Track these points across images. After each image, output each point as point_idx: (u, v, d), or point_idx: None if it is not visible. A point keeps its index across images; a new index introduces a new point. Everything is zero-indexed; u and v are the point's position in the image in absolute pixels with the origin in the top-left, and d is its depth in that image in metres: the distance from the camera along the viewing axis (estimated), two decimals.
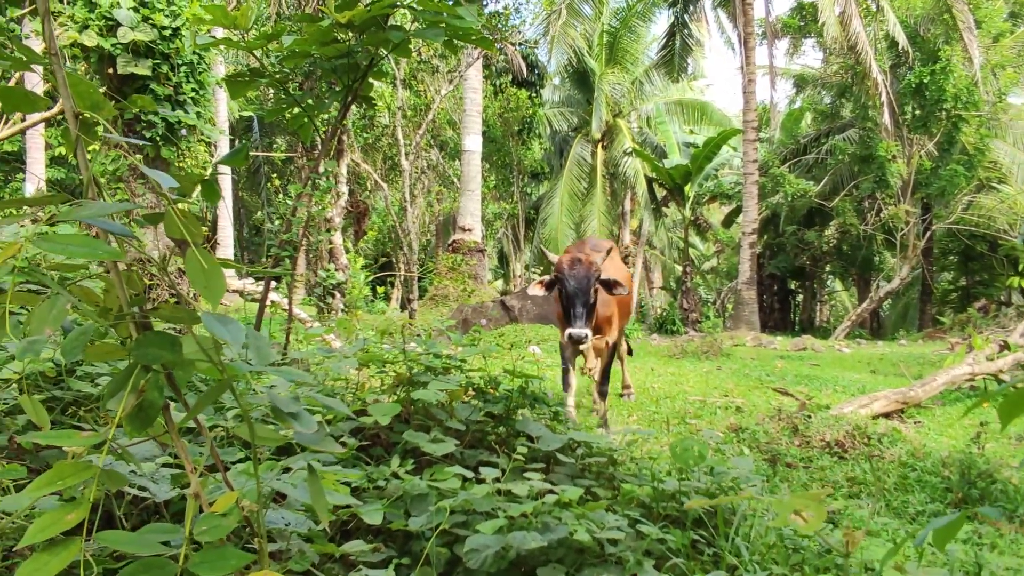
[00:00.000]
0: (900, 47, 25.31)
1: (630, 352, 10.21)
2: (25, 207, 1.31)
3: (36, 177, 16.53)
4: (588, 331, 6.41)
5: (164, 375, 1.39)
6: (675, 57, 29.83)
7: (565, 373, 7.16)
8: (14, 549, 1.54)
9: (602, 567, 2.79)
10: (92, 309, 1.41)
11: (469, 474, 2.99)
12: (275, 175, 20.72)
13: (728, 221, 36.55)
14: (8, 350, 2.93)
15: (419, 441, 3.21)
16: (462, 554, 2.64)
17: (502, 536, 2.66)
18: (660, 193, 31.96)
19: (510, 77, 26.32)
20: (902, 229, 25.98)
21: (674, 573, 2.91)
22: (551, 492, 3.00)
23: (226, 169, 21.38)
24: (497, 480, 2.96)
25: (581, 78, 31.23)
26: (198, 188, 1.52)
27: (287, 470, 2.44)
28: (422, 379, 3.59)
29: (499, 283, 39.46)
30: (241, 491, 1.45)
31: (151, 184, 8.59)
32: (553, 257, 6.87)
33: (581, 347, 6.81)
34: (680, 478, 3.57)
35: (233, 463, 2.56)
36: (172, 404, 1.54)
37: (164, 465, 2.47)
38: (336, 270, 13.26)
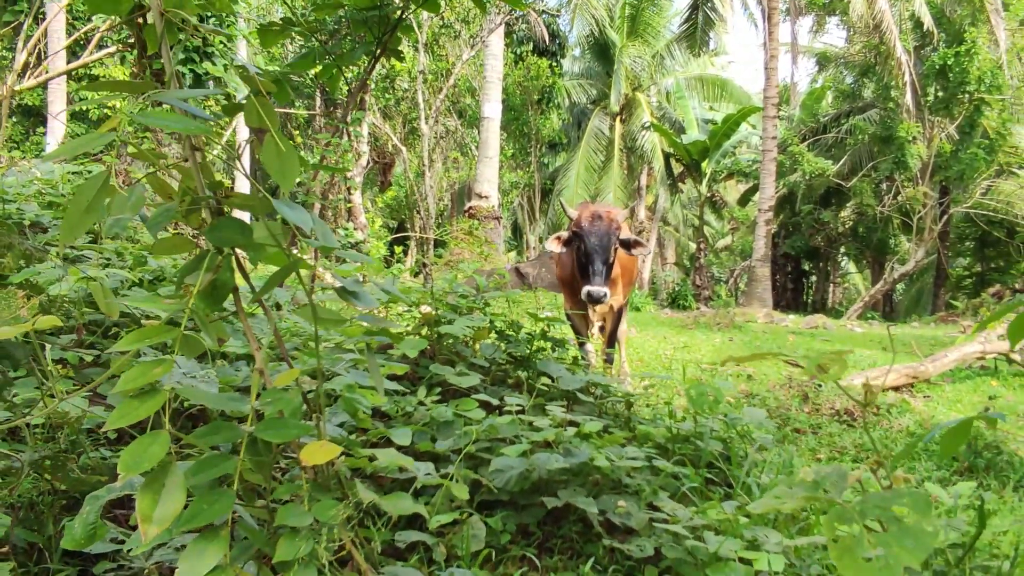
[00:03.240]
0: (925, 28, 25.10)
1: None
2: (119, 90, 1.42)
3: (59, 125, 16.67)
4: (607, 290, 6.10)
5: (235, 259, 1.50)
6: (697, 31, 29.68)
7: (581, 346, 6.77)
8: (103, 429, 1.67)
9: (620, 496, 2.91)
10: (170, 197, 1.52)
11: (495, 401, 3.12)
12: (297, 131, 20.82)
13: (744, 200, 36.46)
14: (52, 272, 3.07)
15: (445, 374, 3.34)
16: (486, 475, 2.78)
17: (525, 459, 2.79)
18: (677, 169, 31.91)
19: (531, 46, 26.23)
20: (919, 212, 25.90)
21: (687, 504, 3.04)
22: (572, 424, 3.13)
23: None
24: (521, 411, 3.08)
25: (601, 50, 31.07)
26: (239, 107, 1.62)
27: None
28: (448, 318, 3.71)
29: (513, 255, 39.49)
30: (302, 368, 1.57)
31: (177, 135, 8.75)
32: (572, 212, 6.57)
33: (596, 307, 6.74)
34: (695, 422, 3.69)
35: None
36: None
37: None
38: (355, 229, 13.40)
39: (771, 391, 8.14)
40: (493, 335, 3.99)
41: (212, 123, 1.41)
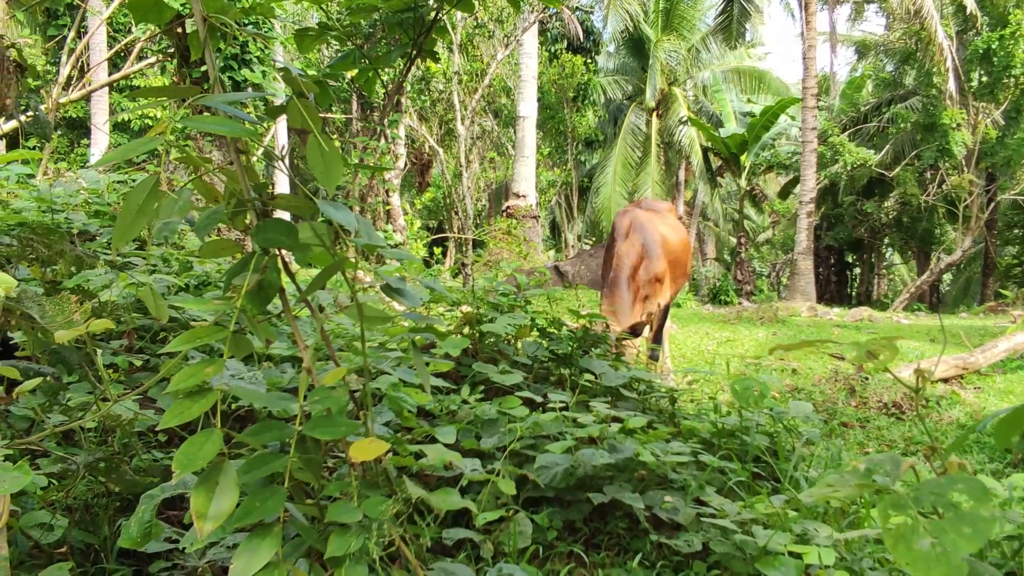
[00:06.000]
0: (968, 11, 24.62)
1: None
2: (162, 96, 1.45)
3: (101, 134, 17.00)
4: None
5: (281, 260, 1.53)
6: (733, 23, 29.40)
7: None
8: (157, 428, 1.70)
9: (666, 491, 2.90)
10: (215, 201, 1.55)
11: (538, 398, 3.12)
12: (335, 136, 21.08)
13: (784, 192, 36.05)
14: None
15: (488, 372, 3.35)
16: (531, 472, 2.78)
17: (570, 455, 2.79)
18: (715, 163, 31.63)
19: (565, 43, 26.20)
20: (965, 200, 25.41)
21: (734, 498, 3.02)
22: (616, 420, 3.12)
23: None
24: (564, 408, 3.08)
25: (636, 45, 30.91)
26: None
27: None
28: (490, 316, 3.73)
29: (551, 253, 39.45)
30: (349, 367, 1.59)
31: (217, 140, 8.91)
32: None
33: (645, 309, 6.75)
34: (740, 417, 3.66)
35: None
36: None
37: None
38: (394, 231, 13.49)
39: (817, 385, 8.05)
40: (535, 333, 4.00)
41: (256, 126, 1.43)
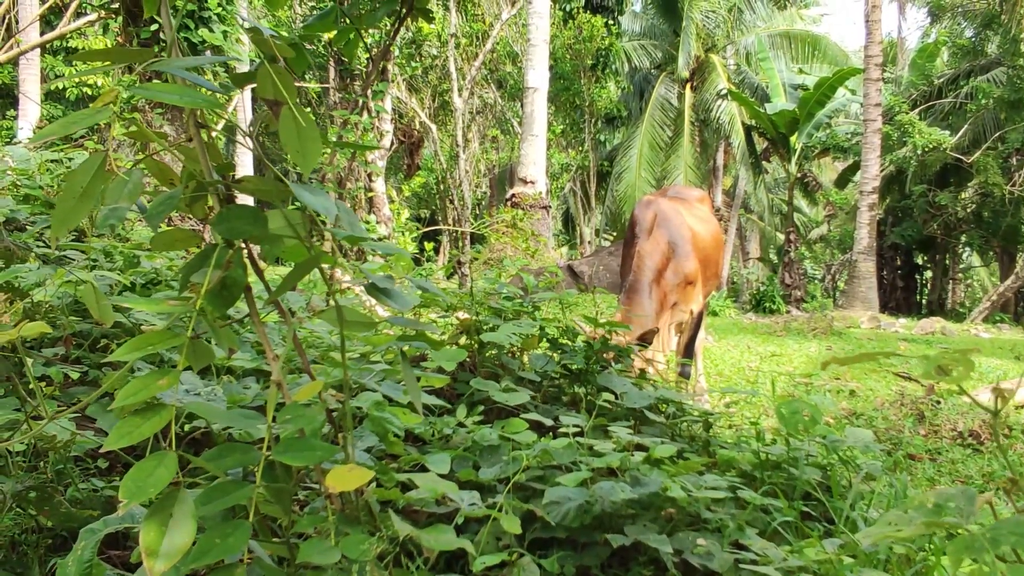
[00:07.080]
0: None
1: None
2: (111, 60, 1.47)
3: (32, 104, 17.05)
4: None
5: (247, 254, 1.54)
6: None
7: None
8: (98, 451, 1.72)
9: (698, 532, 2.91)
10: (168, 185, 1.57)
11: (548, 421, 3.13)
12: (308, 109, 21.11)
13: (843, 180, 36.05)
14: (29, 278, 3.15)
15: (489, 390, 3.36)
16: (539, 508, 2.79)
17: (585, 489, 2.80)
18: (760, 145, 31.64)
19: (583, 1, 26.24)
20: None
21: (780, 542, 3.02)
22: (640, 448, 3.13)
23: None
24: (579, 433, 3.09)
25: (667, 4, 30.95)
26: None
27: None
28: (491, 324, 3.74)
29: (564, 250, 39.49)
30: (326, 381, 1.61)
31: (169, 113, 8.96)
32: None
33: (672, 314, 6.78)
34: (788, 446, 3.67)
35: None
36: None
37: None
38: (378, 222, 13.50)
39: (879, 409, 8.06)
40: (545, 344, 4.01)
41: (219, 96, 1.45)
